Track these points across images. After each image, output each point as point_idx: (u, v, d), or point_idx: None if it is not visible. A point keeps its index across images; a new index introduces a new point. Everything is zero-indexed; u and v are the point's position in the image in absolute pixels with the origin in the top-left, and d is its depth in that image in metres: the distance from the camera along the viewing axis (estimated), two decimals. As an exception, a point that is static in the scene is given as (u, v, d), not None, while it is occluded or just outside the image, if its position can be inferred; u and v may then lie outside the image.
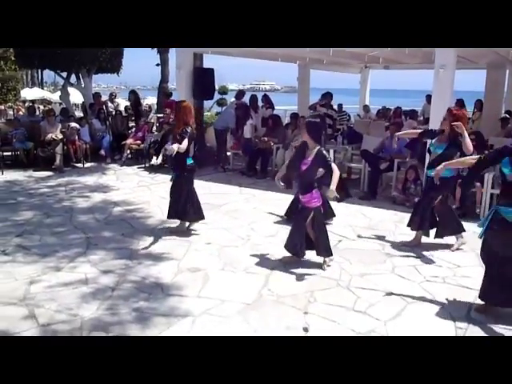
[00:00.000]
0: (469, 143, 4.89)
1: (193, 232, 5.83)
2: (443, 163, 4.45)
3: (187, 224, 5.88)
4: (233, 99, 12.72)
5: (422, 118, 12.24)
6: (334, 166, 4.58)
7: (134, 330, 3.55)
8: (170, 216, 5.80)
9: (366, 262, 5.00)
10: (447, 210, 5.47)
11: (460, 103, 10.02)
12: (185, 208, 5.69)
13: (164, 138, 5.57)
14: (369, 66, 14.43)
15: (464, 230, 5.44)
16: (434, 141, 5.36)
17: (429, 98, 10.11)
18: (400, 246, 5.47)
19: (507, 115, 9.86)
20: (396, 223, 6.31)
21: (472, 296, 4.15)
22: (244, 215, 6.58)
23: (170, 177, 5.94)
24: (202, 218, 5.86)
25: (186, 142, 5.40)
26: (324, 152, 4.64)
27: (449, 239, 5.51)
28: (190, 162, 5.70)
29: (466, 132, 4.91)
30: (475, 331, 3.64)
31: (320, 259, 4.88)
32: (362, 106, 14.90)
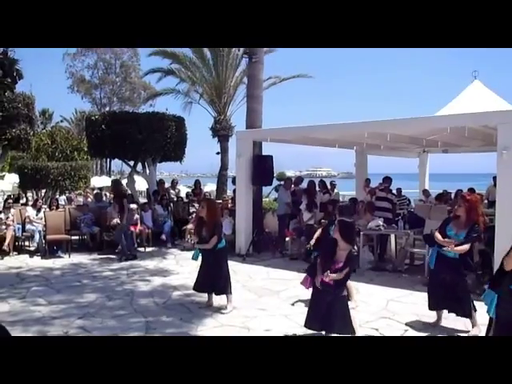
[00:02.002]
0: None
1: (252, 318, 5.72)
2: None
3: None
4: (280, 183, 12.94)
5: (486, 201, 11.88)
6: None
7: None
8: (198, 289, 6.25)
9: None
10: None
11: None
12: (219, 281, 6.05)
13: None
14: (427, 150, 14.35)
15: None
16: (451, 225, 5.26)
17: (495, 179, 9.82)
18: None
19: None
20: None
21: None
22: (304, 302, 6.40)
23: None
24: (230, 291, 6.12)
25: (214, 240, 5.95)
26: (355, 256, 4.70)
27: None
28: (221, 245, 6.10)
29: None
30: None
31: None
32: (421, 190, 14.67)
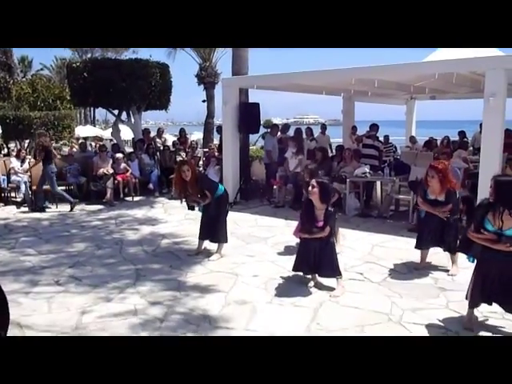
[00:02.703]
0: None
1: (239, 264, 5.84)
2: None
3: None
4: (267, 130, 12.92)
5: (471, 148, 11.98)
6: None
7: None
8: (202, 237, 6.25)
9: (418, 297, 4.82)
10: None
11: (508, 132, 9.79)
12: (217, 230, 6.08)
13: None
14: (415, 97, 14.28)
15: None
16: (428, 192, 5.44)
17: (482, 126, 9.88)
18: (453, 280, 5.27)
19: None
20: (448, 256, 6.08)
21: (535, 334, 3.91)
22: (291, 248, 6.53)
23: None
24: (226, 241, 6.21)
25: (208, 194, 5.99)
26: (332, 210, 4.86)
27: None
28: (220, 192, 6.11)
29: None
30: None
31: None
32: (408, 137, 14.71)
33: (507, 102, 7.08)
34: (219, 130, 12.21)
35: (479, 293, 3.98)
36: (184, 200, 6.33)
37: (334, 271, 4.91)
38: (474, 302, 4.07)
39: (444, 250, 5.58)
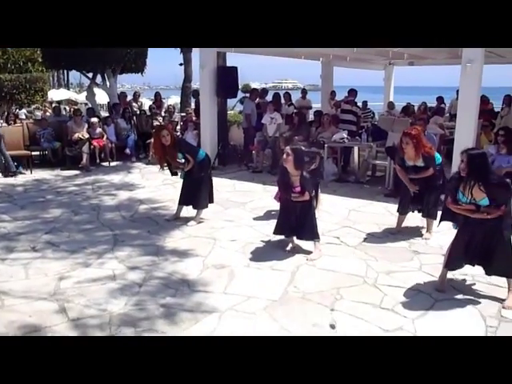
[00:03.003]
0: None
1: (218, 228, 5.87)
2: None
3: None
4: (246, 95, 12.78)
5: (448, 115, 12.07)
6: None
7: (162, 326, 3.59)
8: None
9: (393, 260, 4.95)
10: None
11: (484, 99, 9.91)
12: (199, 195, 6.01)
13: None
14: (393, 63, 14.24)
15: None
16: (405, 158, 5.47)
17: (458, 93, 9.94)
18: (426, 244, 5.41)
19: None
20: (423, 220, 6.21)
21: (503, 293, 4.06)
22: (268, 213, 6.58)
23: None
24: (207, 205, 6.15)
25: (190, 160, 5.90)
26: (307, 176, 4.88)
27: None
28: (201, 156, 6.04)
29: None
30: (507, 329, 3.57)
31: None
32: (386, 103, 14.73)
33: (484, 68, 7.11)
34: (195, 94, 12.02)
35: (463, 254, 4.08)
36: (165, 167, 6.20)
37: (314, 235, 5.03)
38: (452, 264, 4.18)
39: (423, 216, 5.70)
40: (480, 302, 3.99)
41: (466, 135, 6.78)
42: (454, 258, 4.13)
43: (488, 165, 4.05)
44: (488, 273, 4.12)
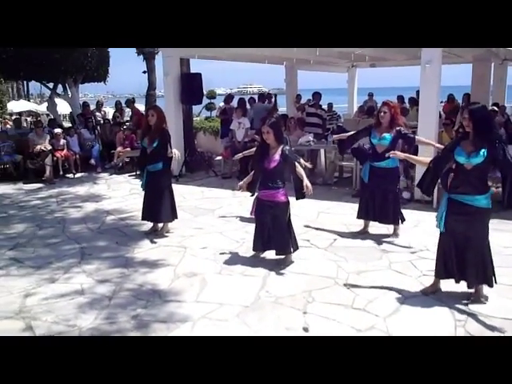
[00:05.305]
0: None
1: (188, 236, 5.81)
2: (405, 155, 4.63)
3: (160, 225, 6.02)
4: (222, 103, 12.78)
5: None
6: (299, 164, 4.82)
7: (134, 338, 3.52)
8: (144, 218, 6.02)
9: (363, 259, 5.00)
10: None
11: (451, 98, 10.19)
12: (160, 208, 5.82)
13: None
14: (356, 65, 14.49)
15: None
16: (374, 132, 5.52)
17: (418, 93, 10.16)
18: (395, 243, 5.49)
19: (495, 108, 9.93)
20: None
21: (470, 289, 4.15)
22: (238, 219, 6.57)
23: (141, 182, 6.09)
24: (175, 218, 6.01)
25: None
26: (289, 148, 4.83)
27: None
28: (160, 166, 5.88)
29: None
30: (474, 323, 3.65)
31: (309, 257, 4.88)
32: (350, 104, 14.96)
33: (443, 68, 7.30)
34: (128, 102, 12.12)
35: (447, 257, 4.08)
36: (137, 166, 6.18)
37: (286, 248, 4.89)
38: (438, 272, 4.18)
39: (387, 223, 5.75)
40: (448, 298, 4.07)
41: (427, 133, 6.92)
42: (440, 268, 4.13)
43: (491, 116, 4.09)
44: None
